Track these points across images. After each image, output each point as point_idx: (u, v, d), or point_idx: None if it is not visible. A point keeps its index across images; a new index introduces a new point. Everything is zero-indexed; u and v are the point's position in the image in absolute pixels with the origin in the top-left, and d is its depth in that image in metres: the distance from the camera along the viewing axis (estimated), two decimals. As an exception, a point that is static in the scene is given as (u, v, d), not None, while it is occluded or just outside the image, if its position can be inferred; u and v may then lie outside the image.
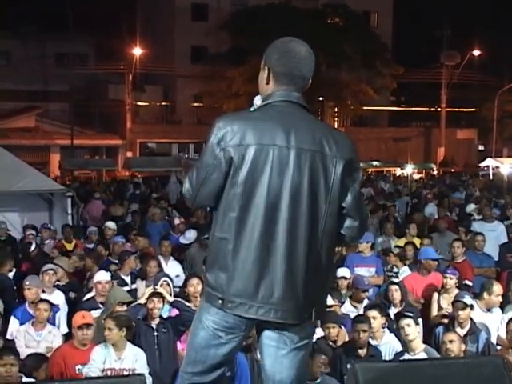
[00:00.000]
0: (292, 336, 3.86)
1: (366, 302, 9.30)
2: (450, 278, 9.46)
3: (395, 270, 10.47)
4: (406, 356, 7.38)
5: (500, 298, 9.01)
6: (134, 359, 7.26)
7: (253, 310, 3.73)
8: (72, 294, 9.99)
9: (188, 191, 3.88)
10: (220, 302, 3.76)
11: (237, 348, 4.00)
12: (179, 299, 8.31)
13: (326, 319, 7.86)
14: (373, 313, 8.00)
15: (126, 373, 6.99)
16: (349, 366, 7.07)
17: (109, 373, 7.00)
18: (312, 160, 3.72)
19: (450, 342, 7.32)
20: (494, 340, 8.45)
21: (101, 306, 8.81)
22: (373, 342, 7.87)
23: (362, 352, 7.56)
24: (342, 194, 3.80)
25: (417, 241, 12.57)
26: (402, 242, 12.83)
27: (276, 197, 3.68)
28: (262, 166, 3.68)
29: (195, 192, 3.84)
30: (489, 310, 8.94)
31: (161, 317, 7.91)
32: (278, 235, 3.69)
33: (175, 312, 8.10)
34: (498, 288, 8.99)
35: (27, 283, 9.04)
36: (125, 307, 8.25)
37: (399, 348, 7.84)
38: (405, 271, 10.73)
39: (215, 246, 3.81)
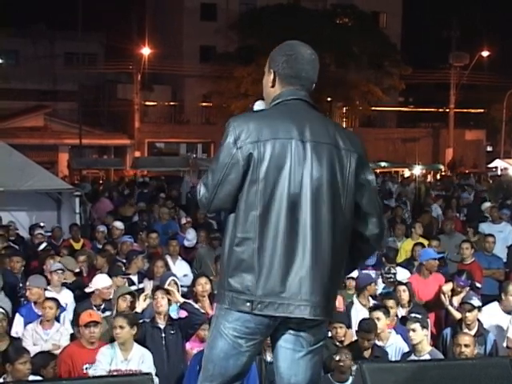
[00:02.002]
0: (309, 338, 3.83)
1: (372, 301, 9.26)
2: (462, 287, 9.41)
3: (393, 270, 10.42)
4: (413, 357, 7.37)
5: None
6: (141, 360, 7.23)
7: (282, 307, 3.68)
8: (78, 292, 9.99)
9: (204, 196, 3.77)
10: (249, 304, 3.68)
11: (255, 356, 3.97)
12: (188, 301, 8.31)
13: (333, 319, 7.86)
14: (377, 314, 7.99)
15: (132, 374, 6.97)
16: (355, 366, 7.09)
17: (115, 374, 6.99)
18: (328, 153, 3.73)
19: (466, 346, 7.28)
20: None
21: (95, 308, 8.72)
22: (378, 343, 7.86)
23: (367, 353, 7.55)
24: (356, 188, 3.80)
25: (425, 242, 12.53)
26: (408, 242, 12.80)
27: (297, 191, 3.67)
28: (282, 161, 3.67)
29: (212, 195, 3.74)
30: (509, 311, 8.82)
31: (170, 318, 7.90)
32: (302, 230, 3.67)
33: (184, 313, 8.09)
34: None
35: (28, 284, 9.07)
36: (128, 298, 8.24)
37: (406, 349, 7.83)
38: (399, 271, 10.64)
39: (239, 247, 3.73)
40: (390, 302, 8.58)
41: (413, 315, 7.70)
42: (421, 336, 7.44)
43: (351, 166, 3.78)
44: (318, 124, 3.78)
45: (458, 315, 8.67)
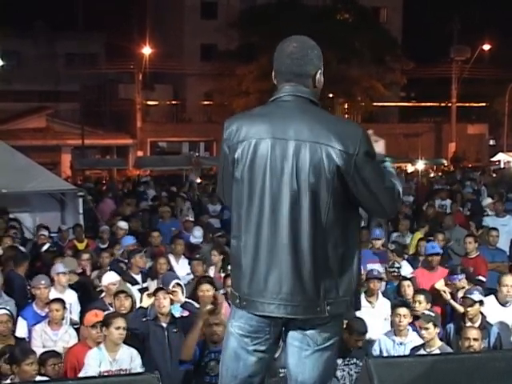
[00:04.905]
0: (316, 337, 3.82)
1: (380, 297, 9.19)
2: (458, 280, 9.43)
3: (397, 265, 10.39)
4: (422, 352, 7.35)
5: None
6: (130, 359, 7.18)
7: (263, 306, 3.72)
8: (83, 292, 9.97)
9: (217, 192, 4.14)
10: (237, 301, 3.79)
11: (266, 358, 3.92)
12: (189, 301, 8.31)
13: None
14: (403, 310, 7.93)
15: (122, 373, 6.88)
16: (355, 361, 7.09)
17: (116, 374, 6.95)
18: (312, 151, 3.65)
19: (475, 339, 7.27)
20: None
21: (110, 307, 8.72)
22: (397, 340, 7.86)
23: None
24: (347, 184, 3.68)
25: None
26: (417, 236, 12.78)
27: (276, 190, 3.67)
28: (260, 160, 3.70)
29: (221, 193, 4.03)
30: (506, 303, 8.81)
31: (172, 316, 7.89)
32: (281, 229, 3.67)
33: (186, 312, 8.08)
34: (509, 279, 8.91)
35: (43, 282, 9.03)
36: (123, 296, 8.22)
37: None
38: (403, 265, 10.67)
39: (232, 244, 3.87)
40: (403, 311, 8.43)
41: (426, 313, 7.64)
42: (433, 334, 7.43)
43: (338, 165, 3.63)
44: (305, 121, 3.71)
45: (461, 309, 8.66)
